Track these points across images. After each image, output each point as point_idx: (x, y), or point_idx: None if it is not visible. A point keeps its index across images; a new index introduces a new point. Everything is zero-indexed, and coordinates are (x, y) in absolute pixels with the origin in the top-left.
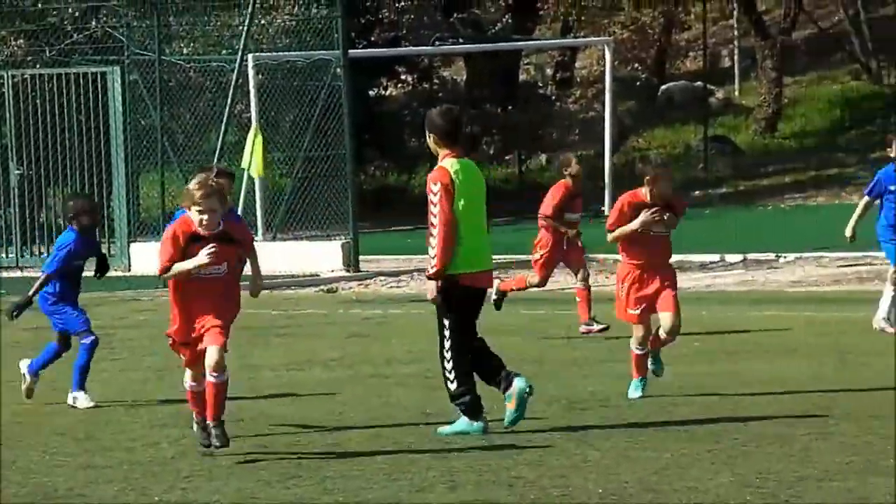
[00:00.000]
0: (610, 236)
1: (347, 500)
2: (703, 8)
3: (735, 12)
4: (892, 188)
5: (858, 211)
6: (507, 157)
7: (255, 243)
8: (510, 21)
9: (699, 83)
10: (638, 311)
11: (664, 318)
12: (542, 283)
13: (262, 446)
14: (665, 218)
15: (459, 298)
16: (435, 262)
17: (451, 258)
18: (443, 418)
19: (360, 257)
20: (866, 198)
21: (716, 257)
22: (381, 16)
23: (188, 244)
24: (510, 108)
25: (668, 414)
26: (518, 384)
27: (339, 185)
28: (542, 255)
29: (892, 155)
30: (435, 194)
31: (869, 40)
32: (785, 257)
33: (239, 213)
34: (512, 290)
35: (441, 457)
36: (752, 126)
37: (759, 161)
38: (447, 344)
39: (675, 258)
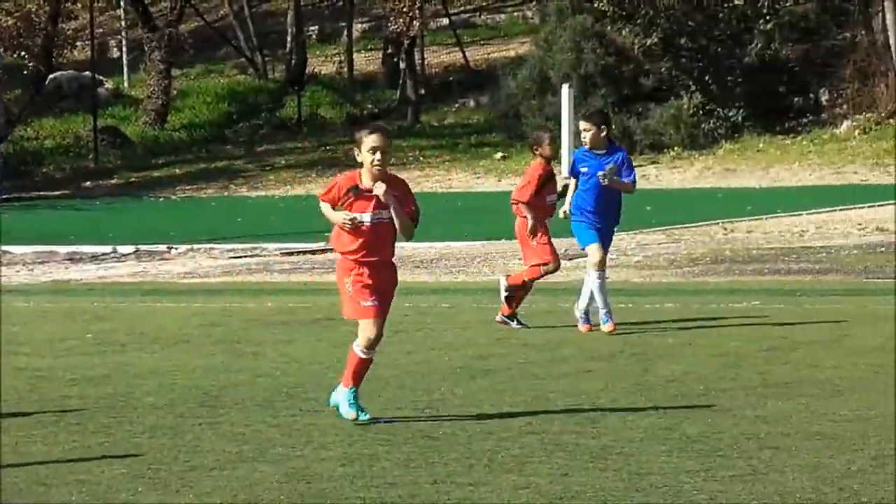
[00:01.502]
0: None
1: None
2: None
3: (122, 3)
4: (583, 169)
5: (569, 192)
6: None
7: None
8: None
9: (87, 73)
10: (374, 304)
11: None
12: (557, 265)
13: None
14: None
15: None
16: None
17: None
18: None
19: None
20: (571, 179)
21: (108, 248)
22: None
23: None
24: None
25: (61, 408)
26: None
27: None
28: (538, 239)
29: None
30: None
31: (253, 35)
32: (177, 248)
33: None
34: (524, 282)
35: None
36: (142, 117)
37: (150, 152)
38: None
39: (65, 249)
